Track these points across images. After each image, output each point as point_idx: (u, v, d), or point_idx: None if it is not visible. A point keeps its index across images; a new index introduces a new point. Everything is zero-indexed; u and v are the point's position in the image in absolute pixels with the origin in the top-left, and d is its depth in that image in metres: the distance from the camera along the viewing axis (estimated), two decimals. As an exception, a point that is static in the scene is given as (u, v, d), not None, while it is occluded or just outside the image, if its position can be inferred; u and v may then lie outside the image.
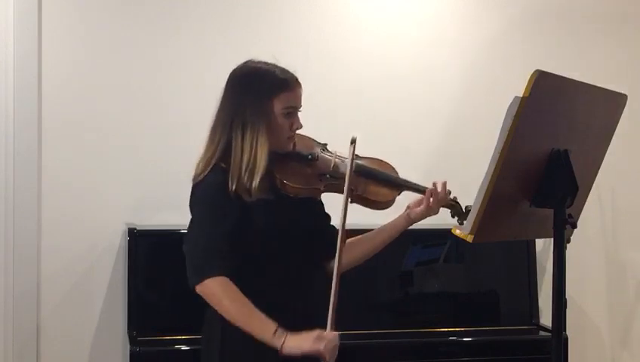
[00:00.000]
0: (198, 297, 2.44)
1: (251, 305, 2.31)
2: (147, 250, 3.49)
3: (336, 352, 2.30)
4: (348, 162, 2.42)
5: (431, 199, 2.56)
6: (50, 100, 3.63)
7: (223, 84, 2.54)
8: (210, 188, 2.39)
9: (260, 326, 2.30)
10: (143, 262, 3.47)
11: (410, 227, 3.82)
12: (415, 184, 2.65)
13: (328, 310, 2.32)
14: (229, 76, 2.51)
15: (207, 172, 2.41)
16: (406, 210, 2.63)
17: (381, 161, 2.67)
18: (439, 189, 2.57)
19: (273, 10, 3.86)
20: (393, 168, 2.68)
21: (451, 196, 2.64)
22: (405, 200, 2.67)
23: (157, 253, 3.53)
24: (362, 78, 3.95)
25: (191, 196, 2.46)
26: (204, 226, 2.39)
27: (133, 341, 3.32)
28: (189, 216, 2.50)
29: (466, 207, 2.60)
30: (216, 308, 2.35)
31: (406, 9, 4.02)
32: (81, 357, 3.67)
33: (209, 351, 2.48)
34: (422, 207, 2.58)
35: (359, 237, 2.66)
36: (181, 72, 3.76)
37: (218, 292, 2.33)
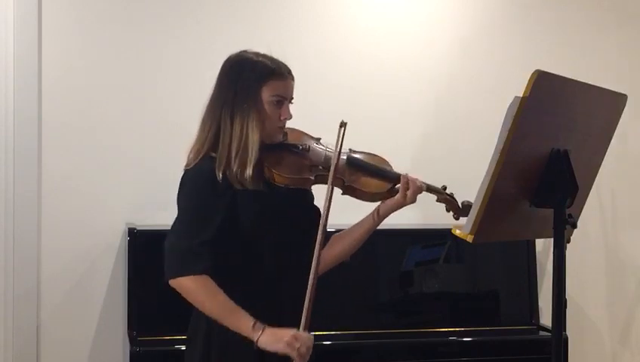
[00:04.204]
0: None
1: (230, 302, 2.31)
2: (147, 250, 3.48)
3: (310, 354, 2.30)
4: (337, 145, 2.39)
5: (408, 191, 2.48)
6: (50, 100, 3.63)
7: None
8: (199, 179, 2.36)
9: (239, 321, 2.30)
10: (143, 262, 3.46)
11: (411, 227, 3.82)
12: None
13: (304, 310, 2.30)
14: (222, 65, 2.48)
15: (196, 162, 2.38)
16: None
17: (375, 155, 2.62)
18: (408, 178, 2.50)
19: (273, 10, 3.86)
20: (388, 162, 2.62)
21: (447, 191, 2.61)
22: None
23: (157, 253, 3.51)
24: (361, 78, 3.94)
25: (179, 186, 2.42)
26: (189, 222, 2.36)
27: (133, 341, 3.32)
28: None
29: (463, 203, 2.57)
30: (194, 304, 2.36)
31: (405, 9, 4.02)
32: (81, 357, 3.67)
33: (194, 341, 2.46)
34: (398, 195, 2.49)
35: (340, 233, 2.62)
36: (181, 73, 3.76)
37: (196, 290, 2.32)
